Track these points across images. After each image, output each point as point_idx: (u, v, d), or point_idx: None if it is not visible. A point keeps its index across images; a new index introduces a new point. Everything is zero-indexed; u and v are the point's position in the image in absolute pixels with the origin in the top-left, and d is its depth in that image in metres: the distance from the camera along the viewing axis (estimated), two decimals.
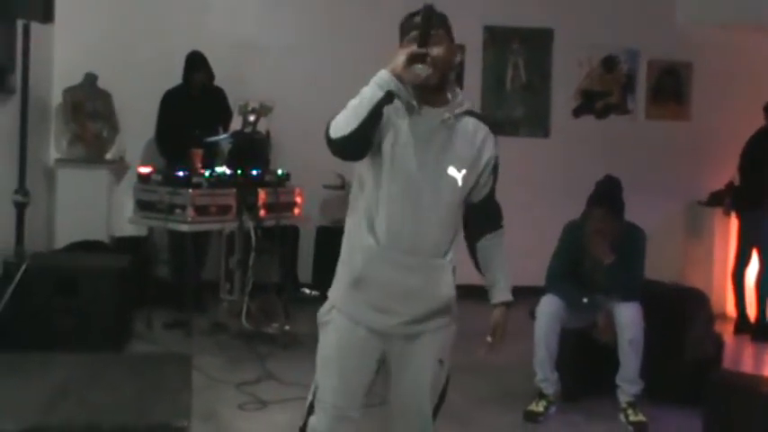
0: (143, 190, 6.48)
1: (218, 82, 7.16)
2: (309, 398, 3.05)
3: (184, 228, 6.24)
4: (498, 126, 8.89)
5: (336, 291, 3.03)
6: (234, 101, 6.73)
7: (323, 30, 7.94)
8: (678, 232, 8.37)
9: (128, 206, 7.01)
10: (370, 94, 2.72)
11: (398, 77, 2.73)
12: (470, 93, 8.24)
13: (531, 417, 4.89)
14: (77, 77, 7.34)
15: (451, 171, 2.88)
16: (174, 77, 7.08)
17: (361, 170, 2.93)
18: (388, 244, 2.86)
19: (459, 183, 2.89)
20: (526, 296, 5.70)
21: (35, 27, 5.59)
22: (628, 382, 4.87)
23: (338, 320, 2.98)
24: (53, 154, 7.46)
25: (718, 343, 5.41)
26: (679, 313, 5.27)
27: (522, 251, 7.75)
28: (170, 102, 7.13)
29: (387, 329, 2.94)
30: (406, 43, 2.82)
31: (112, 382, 3.15)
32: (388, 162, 2.84)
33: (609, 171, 5.19)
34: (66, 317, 5.30)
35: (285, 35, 7.91)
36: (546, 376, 4.95)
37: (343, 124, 2.73)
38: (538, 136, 8.40)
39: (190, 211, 6.14)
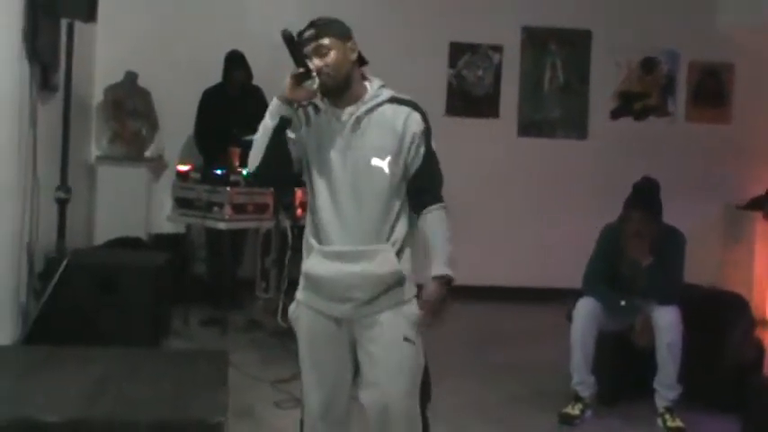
0: (181, 188, 6.53)
1: (256, 81, 7.19)
2: (300, 416, 3.12)
3: (222, 226, 6.28)
4: (535, 127, 8.85)
5: (299, 288, 3.16)
6: (272, 100, 6.75)
7: (359, 31, 7.93)
8: (717, 236, 8.27)
9: (166, 204, 7.07)
10: (263, 126, 2.99)
11: (292, 100, 2.97)
12: (508, 94, 8.24)
13: (567, 419, 4.86)
14: (118, 76, 7.41)
15: (375, 162, 3.01)
16: (214, 76, 7.12)
17: (305, 178, 3.11)
18: (326, 241, 3.03)
19: (386, 170, 3.01)
20: (563, 299, 5.71)
21: (78, 26, 5.65)
22: (666, 386, 4.83)
23: (304, 314, 3.13)
24: (93, 151, 7.54)
25: (759, 348, 5.34)
26: (718, 318, 5.21)
27: (559, 253, 7.79)
28: (209, 100, 7.17)
29: (345, 315, 3.06)
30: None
31: (151, 377, 3.18)
32: (315, 168, 3.06)
33: (647, 173, 5.14)
34: (105, 312, 5.35)
35: None
36: (582, 379, 4.92)
37: (252, 159, 3.02)
38: (575, 138, 8.34)
39: (227, 210, 6.18)
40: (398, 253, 3.06)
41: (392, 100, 3.10)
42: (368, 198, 3.01)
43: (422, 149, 3.07)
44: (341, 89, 3.03)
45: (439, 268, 3.04)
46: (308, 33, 3.00)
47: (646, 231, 4.90)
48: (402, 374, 3.06)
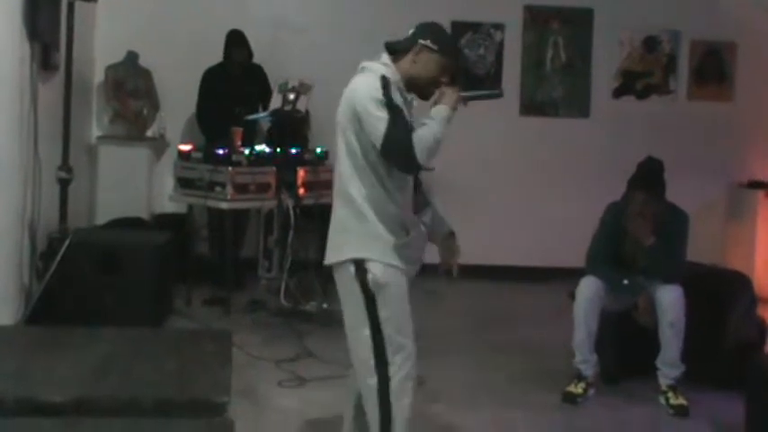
0: (183, 167, 6.52)
1: (258, 61, 7.18)
2: (381, 375, 3.24)
3: (224, 205, 6.28)
4: (537, 106, 8.84)
5: (390, 255, 3.26)
6: (274, 79, 6.75)
7: (362, 8, 7.91)
8: (720, 214, 8.27)
9: (168, 183, 7.07)
10: (442, 131, 3.21)
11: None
12: (510, 72, 8.20)
13: (570, 398, 4.87)
14: (119, 55, 7.39)
15: None
16: (215, 56, 7.10)
17: (378, 162, 3.24)
18: (409, 213, 3.38)
19: None
20: (566, 277, 5.71)
21: (79, 5, 5.63)
22: (668, 365, 4.84)
23: (399, 277, 3.29)
24: (95, 131, 7.54)
25: (761, 326, 5.34)
26: (721, 296, 5.21)
27: (562, 232, 7.78)
28: (210, 80, 7.15)
29: (412, 276, 3.39)
30: (446, 63, 3.35)
31: (154, 356, 3.17)
32: None
33: (649, 152, 5.12)
34: (107, 292, 5.36)
35: (324, 14, 7.90)
36: (585, 358, 4.92)
37: (432, 154, 3.19)
38: (577, 116, 8.32)
39: (229, 189, 6.17)
40: None
41: None
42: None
43: None
44: None
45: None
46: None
47: (649, 211, 4.89)
48: None
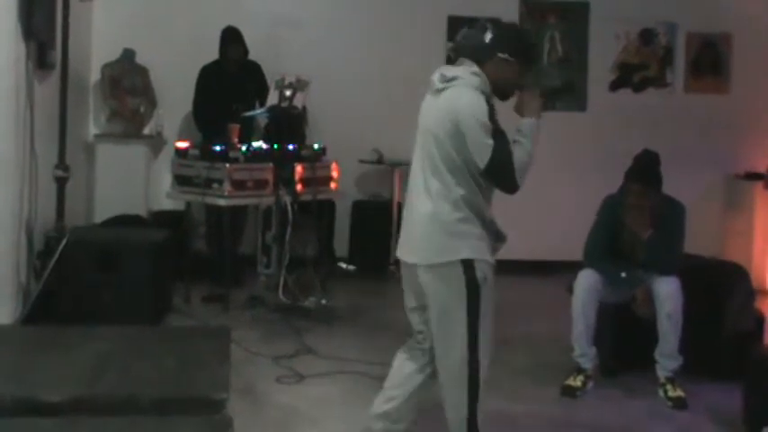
0: (181, 165, 6.52)
1: (254, 57, 7.17)
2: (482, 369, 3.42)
3: (222, 202, 6.28)
4: None
5: (483, 251, 3.44)
6: (270, 76, 6.74)
7: (359, 4, 7.91)
8: (717, 206, 8.27)
9: (166, 181, 7.06)
10: (533, 150, 3.40)
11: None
12: None
13: (569, 391, 4.88)
14: (116, 53, 7.38)
15: None
16: (211, 53, 7.09)
17: (477, 173, 3.38)
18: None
19: None
20: (564, 271, 5.72)
21: (74, 3, 5.63)
22: (667, 357, 4.84)
23: (490, 274, 3.46)
24: (92, 129, 7.53)
25: (759, 318, 5.35)
26: (718, 287, 5.22)
27: (559, 226, 7.78)
28: (207, 77, 7.15)
29: None
30: (526, 71, 3.50)
31: (153, 354, 3.18)
32: None
33: (646, 145, 5.12)
34: (105, 290, 5.36)
35: (321, 10, 7.90)
36: (584, 351, 4.93)
37: (527, 172, 3.39)
38: (574, 110, 8.30)
39: (227, 186, 6.17)
40: None
41: None
42: None
43: None
44: None
45: None
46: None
47: (646, 203, 4.90)
48: None
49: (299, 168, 6.42)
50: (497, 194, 3.52)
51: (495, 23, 3.49)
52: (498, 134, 3.34)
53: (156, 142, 7.55)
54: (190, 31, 7.46)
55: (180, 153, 6.56)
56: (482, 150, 3.30)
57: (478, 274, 3.38)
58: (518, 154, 3.35)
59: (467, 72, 3.40)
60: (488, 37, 3.44)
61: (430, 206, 3.41)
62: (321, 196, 6.61)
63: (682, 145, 7.81)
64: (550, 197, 8.06)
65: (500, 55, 3.41)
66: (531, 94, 3.48)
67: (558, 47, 8.31)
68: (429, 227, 3.43)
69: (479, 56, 3.43)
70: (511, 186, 3.40)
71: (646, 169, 4.95)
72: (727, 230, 8.21)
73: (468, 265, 3.38)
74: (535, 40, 3.43)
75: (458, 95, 3.36)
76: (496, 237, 3.51)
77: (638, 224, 4.93)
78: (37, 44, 5.45)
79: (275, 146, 6.42)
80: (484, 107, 3.32)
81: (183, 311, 6.14)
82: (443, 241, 3.41)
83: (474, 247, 3.41)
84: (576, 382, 4.91)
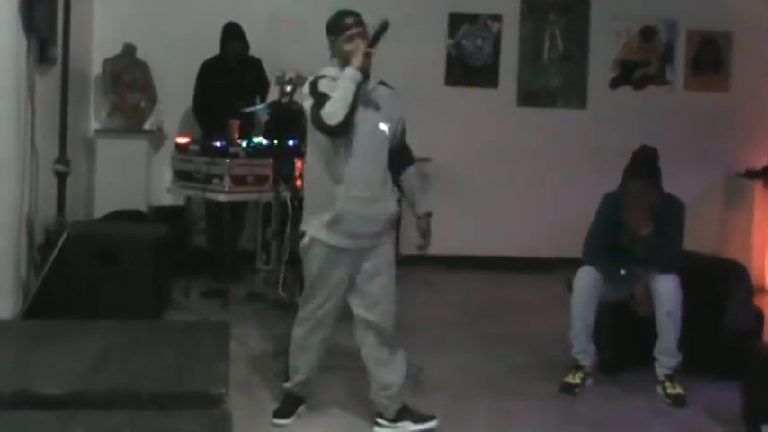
0: (181, 160, 6.52)
1: (255, 53, 7.17)
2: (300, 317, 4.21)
3: (222, 198, 6.28)
4: (535, 97, 8.82)
5: (314, 227, 4.00)
6: (271, 72, 6.74)
7: (359, 2, 7.88)
8: (716, 204, 8.28)
9: (166, 176, 7.08)
10: (346, 87, 3.81)
11: (363, 70, 3.86)
12: (507, 63, 8.21)
13: (568, 388, 4.88)
14: (116, 48, 7.38)
15: (381, 126, 3.99)
16: (212, 49, 7.10)
17: (321, 140, 3.92)
18: (353, 187, 3.90)
19: (387, 133, 4.00)
20: (563, 268, 5.72)
21: None
22: (666, 354, 4.85)
23: (317, 250, 4.00)
24: (92, 124, 7.54)
25: (758, 316, 5.35)
26: (718, 285, 5.22)
27: (559, 223, 7.79)
28: (207, 73, 7.15)
29: (358, 248, 3.99)
30: (344, 38, 4.01)
31: (152, 349, 3.17)
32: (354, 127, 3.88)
33: (646, 142, 5.12)
34: (105, 285, 5.36)
35: (321, 5, 7.88)
36: (583, 348, 4.93)
37: (338, 114, 3.78)
38: (575, 107, 8.33)
39: (227, 181, 6.18)
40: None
41: (382, 83, 4.09)
42: (376, 153, 3.98)
43: (401, 126, 4.16)
44: None
45: (424, 207, 4.24)
46: (353, 20, 4.08)
47: (645, 200, 4.89)
48: (390, 287, 4.13)
49: (299, 164, 6.40)
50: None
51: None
52: (322, 97, 3.85)
53: (157, 137, 7.56)
54: (191, 27, 7.46)
55: (180, 148, 6.57)
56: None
57: (303, 243, 4.02)
58: (332, 95, 3.81)
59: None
60: None
61: None
62: None
63: (682, 142, 7.82)
64: (550, 194, 8.07)
65: (330, 38, 4.11)
66: (359, 48, 3.91)
67: (558, 44, 8.31)
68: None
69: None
70: (322, 125, 3.81)
71: (644, 165, 4.94)
72: (727, 228, 8.21)
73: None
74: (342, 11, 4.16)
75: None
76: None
77: (638, 221, 4.92)
78: (38, 39, 5.44)
79: (275, 141, 6.43)
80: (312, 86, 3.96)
81: (183, 306, 6.15)
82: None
83: (309, 220, 4.07)
84: (576, 379, 4.91)
